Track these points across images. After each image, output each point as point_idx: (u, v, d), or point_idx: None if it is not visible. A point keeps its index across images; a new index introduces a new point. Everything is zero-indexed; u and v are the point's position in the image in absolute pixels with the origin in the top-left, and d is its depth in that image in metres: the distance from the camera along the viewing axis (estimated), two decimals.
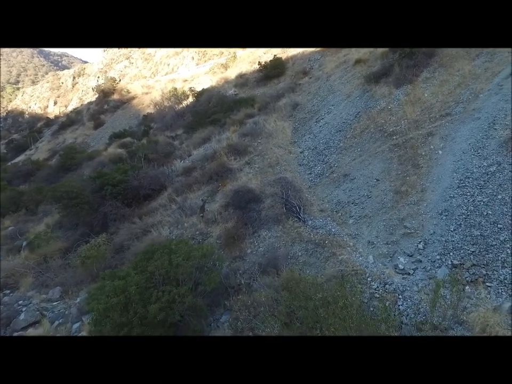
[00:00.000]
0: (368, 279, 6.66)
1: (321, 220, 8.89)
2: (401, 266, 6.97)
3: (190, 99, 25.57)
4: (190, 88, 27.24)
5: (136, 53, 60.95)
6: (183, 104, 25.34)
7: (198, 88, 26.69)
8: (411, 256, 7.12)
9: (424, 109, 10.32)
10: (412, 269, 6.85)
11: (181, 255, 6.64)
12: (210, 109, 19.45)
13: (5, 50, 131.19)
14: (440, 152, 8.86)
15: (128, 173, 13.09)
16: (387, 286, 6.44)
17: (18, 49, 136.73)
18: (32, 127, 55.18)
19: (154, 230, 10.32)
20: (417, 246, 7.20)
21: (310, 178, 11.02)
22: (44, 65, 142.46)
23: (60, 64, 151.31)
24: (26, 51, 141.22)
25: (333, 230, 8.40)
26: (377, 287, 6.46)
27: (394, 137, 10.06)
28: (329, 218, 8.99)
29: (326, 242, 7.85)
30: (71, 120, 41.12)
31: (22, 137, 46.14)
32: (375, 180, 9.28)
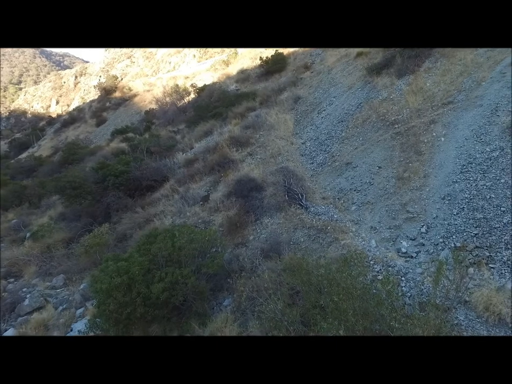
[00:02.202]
0: (371, 262, 6.66)
1: (323, 207, 8.89)
2: (404, 250, 6.96)
3: (192, 95, 25.61)
4: (192, 84, 27.30)
5: (138, 52, 61.15)
6: (185, 100, 25.39)
7: (200, 85, 26.73)
8: (414, 240, 7.11)
9: (426, 98, 10.31)
10: (415, 252, 6.84)
11: (184, 237, 6.67)
12: (212, 103, 19.51)
13: (8, 50, 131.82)
14: (442, 139, 8.84)
15: (130, 164, 13.13)
16: (390, 268, 6.44)
17: (20, 50, 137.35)
18: (34, 126, 55.31)
19: (156, 219, 10.35)
20: (420, 230, 7.19)
21: (312, 168, 11.03)
22: (46, 66, 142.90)
23: (61, 64, 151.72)
24: (29, 52, 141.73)
25: (335, 216, 8.40)
26: (380, 269, 6.46)
27: (396, 126, 10.05)
28: (332, 205, 8.99)
29: (329, 228, 7.86)
30: (73, 117, 41.25)
31: (24, 136, 46.24)
32: (377, 167, 9.27)
